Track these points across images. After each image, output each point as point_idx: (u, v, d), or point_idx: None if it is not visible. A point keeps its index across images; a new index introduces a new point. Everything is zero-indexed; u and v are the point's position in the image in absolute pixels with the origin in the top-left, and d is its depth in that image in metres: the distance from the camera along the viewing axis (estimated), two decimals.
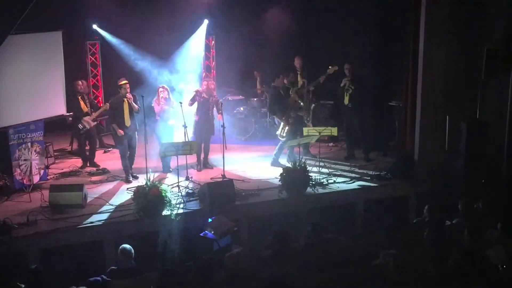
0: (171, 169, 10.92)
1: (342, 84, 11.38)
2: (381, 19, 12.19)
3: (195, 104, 10.98)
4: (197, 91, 10.97)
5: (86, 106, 11.43)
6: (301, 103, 11.39)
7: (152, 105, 10.86)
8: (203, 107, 10.93)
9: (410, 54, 11.14)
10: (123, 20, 13.54)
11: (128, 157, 10.77)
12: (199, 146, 11.08)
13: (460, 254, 6.91)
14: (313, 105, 12.49)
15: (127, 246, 7.60)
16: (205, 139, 11.15)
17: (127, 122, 10.62)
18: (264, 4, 13.57)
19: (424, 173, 10.57)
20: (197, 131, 11.10)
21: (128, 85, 10.59)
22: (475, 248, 7.36)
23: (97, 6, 13.08)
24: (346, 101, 11.46)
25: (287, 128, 11.32)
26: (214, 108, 11.10)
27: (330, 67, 11.68)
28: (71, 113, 11.59)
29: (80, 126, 11.27)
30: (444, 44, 10.67)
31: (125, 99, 10.54)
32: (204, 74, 14.78)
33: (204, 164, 11.28)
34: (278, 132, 11.48)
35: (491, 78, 10.73)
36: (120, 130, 10.57)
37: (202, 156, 11.25)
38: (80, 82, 11.45)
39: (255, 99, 13.72)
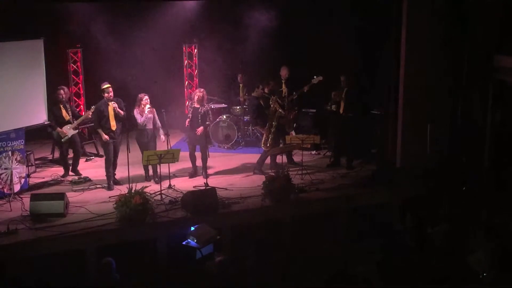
0: (157, 179, 10.83)
1: (332, 97, 11.43)
2: (365, 29, 12.28)
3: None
4: (190, 103, 10.93)
5: (68, 114, 11.34)
6: (282, 112, 11.40)
7: (133, 113, 10.78)
8: (194, 117, 10.89)
9: (391, 62, 11.23)
10: (105, 28, 13.52)
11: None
12: (191, 154, 11.10)
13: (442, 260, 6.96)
14: (294, 112, 12.42)
15: (108, 259, 7.54)
16: (202, 148, 11.07)
17: (113, 126, 10.55)
18: (248, 11, 13.58)
19: (406, 180, 10.63)
20: (190, 139, 11.10)
21: (111, 89, 10.51)
22: (457, 254, 7.43)
23: (79, 14, 13.02)
24: (341, 110, 11.48)
25: (270, 137, 11.36)
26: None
27: (315, 77, 11.71)
28: (51, 122, 11.46)
29: (62, 134, 11.16)
30: (425, 52, 10.78)
31: (110, 103, 10.48)
32: (186, 82, 14.80)
33: (198, 172, 11.21)
34: (262, 142, 11.51)
35: (471, 87, 10.88)
36: (105, 136, 10.51)
37: (199, 164, 11.18)
38: (62, 92, 11.33)
39: (238, 107, 13.72)
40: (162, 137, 10.73)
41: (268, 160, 11.51)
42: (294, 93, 11.99)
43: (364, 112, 12.13)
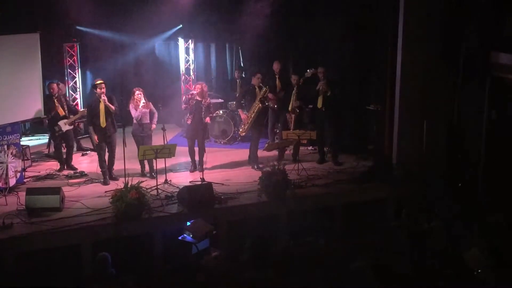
0: (154, 174, 10.82)
1: (318, 87, 11.42)
2: (361, 24, 12.27)
3: None
4: (191, 94, 10.96)
5: (63, 109, 11.30)
6: (260, 105, 11.36)
7: (128, 108, 10.76)
8: (196, 110, 10.88)
9: (388, 59, 11.23)
10: (100, 22, 13.50)
11: (108, 159, 10.69)
12: (191, 149, 11.09)
13: (438, 257, 6.97)
14: (295, 115, 12.35)
15: (104, 254, 7.54)
16: (200, 142, 11.09)
17: (103, 123, 10.47)
18: (245, 6, 13.57)
19: (402, 177, 10.65)
20: (190, 133, 11.09)
21: (103, 85, 10.42)
22: (452, 251, 7.44)
23: (75, 7, 12.99)
24: (319, 104, 11.51)
25: (246, 126, 11.50)
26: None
27: (308, 70, 11.72)
28: (47, 116, 11.44)
29: (56, 128, 11.15)
30: (422, 49, 10.78)
31: (101, 100, 10.43)
32: (183, 77, 14.78)
33: (196, 167, 11.24)
34: (240, 127, 11.72)
35: (468, 84, 10.89)
36: (95, 136, 10.49)
37: (196, 158, 11.19)
38: (54, 85, 11.29)
39: (234, 103, 13.72)
40: (153, 125, 10.78)
41: (271, 153, 11.50)
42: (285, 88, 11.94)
43: (354, 108, 12.19)
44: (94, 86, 10.47)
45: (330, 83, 11.35)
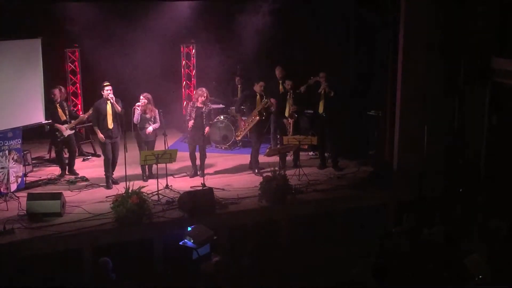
0: (153, 174, 10.84)
1: (320, 90, 11.44)
2: (363, 30, 12.29)
3: None
4: (193, 100, 11.02)
5: (65, 114, 11.33)
6: (257, 116, 11.39)
7: (132, 113, 10.80)
8: (198, 116, 10.91)
9: (389, 64, 11.24)
10: (102, 28, 13.51)
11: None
12: (192, 154, 11.11)
13: (438, 262, 6.97)
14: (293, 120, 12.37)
15: (104, 259, 7.55)
16: (201, 148, 11.11)
17: (110, 124, 10.55)
18: (245, 11, 13.59)
19: (403, 182, 10.64)
20: (191, 138, 11.12)
21: (110, 87, 10.51)
22: (452, 256, 7.44)
23: (77, 13, 13.02)
24: (320, 109, 11.53)
25: (242, 133, 11.66)
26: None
27: (311, 77, 11.75)
28: (49, 121, 11.47)
29: (57, 133, 11.17)
30: (423, 54, 10.79)
31: (108, 101, 10.48)
32: (184, 83, 14.80)
33: (197, 173, 11.26)
34: (238, 131, 11.94)
35: (469, 89, 10.90)
36: (101, 135, 10.51)
37: (198, 163, 11.21)
38: (56, 91, 11.31)
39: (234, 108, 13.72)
40: (150, 128, 10.75)
41: (273, 159, 11.52)
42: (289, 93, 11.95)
43: (355, 114, 12.19)
44: (102, 88, 10.51)
45: (331, 87, 11.38)
